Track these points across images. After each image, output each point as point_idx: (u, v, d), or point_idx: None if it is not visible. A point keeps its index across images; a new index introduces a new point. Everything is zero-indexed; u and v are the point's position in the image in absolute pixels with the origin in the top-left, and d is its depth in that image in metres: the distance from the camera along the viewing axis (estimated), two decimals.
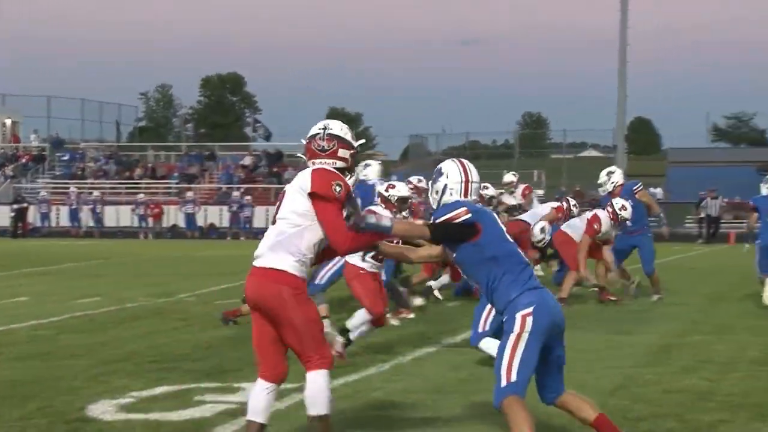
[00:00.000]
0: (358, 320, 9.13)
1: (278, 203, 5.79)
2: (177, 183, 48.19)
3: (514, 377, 5.30)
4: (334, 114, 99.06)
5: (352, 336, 9.12)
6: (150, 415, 6.84)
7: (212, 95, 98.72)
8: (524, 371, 5.33)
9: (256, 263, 5.66)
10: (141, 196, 43.99)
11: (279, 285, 5.54)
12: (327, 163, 5.75)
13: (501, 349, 5.42)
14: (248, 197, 42.62)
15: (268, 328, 5.64)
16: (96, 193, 44.48)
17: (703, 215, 40.32)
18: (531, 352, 5.35)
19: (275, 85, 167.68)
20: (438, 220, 5.69)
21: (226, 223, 42.89)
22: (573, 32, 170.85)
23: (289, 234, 5.61)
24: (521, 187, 17.35)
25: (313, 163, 5.79)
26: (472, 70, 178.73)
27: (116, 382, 8.08)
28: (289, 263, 5.56)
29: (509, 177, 17.70)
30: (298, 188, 5.68)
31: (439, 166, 6.00)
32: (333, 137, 5.80)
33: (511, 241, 5.70)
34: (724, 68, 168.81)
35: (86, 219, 43.70)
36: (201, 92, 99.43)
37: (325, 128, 5.84)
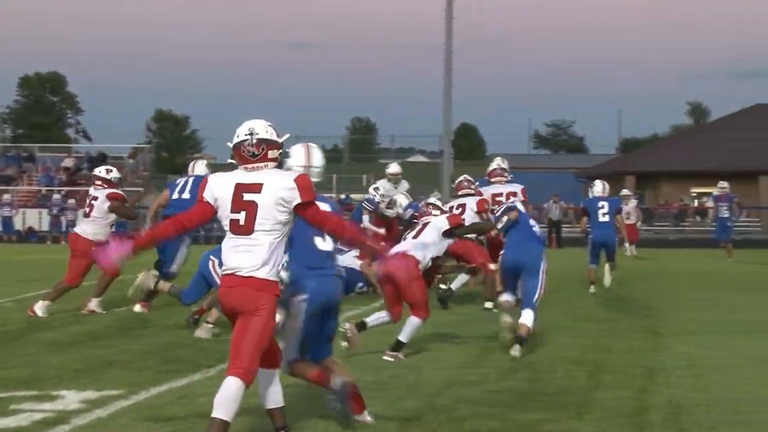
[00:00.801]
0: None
1: (242, 212, 5.66)
2: None
3: (293, 353, 6.50)
4: (161, 116, 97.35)
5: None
6: None
7: (31, 95, 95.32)
8: (301, 345, 6.54)
9: (244, 274, 5.62)
10: None
11: (266, 294, 5.64)
12: (259, 167, 5.73)
13: (284, 326, 6.50)
14: (71, 200, 41.42)
15: None
16: None
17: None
18: (303, 329, 6.51)
19: (99, 86, 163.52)
20: None
21: (46, 227, 41.59)
22: (400, 38, 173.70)
23: (276, 245, 5.68)
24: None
25: (246, 168, 5.75)
26: (301, 73, 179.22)
27: None
28: (275, 272, 5.69)
29: (395, 168, 17.29)
30: (277, 199, 5.66)
31: (291, 148, 6.60)
32: (261, 141, 5.76)
33: (312, 229, 6.27)
34: (546, 76, 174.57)
35: None
36: (18, 91, 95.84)
37: (251, 133, 5.76)
